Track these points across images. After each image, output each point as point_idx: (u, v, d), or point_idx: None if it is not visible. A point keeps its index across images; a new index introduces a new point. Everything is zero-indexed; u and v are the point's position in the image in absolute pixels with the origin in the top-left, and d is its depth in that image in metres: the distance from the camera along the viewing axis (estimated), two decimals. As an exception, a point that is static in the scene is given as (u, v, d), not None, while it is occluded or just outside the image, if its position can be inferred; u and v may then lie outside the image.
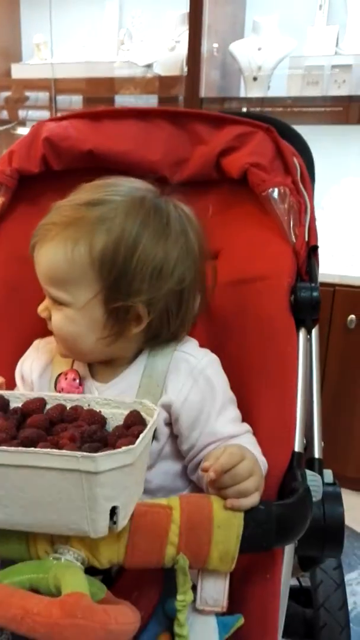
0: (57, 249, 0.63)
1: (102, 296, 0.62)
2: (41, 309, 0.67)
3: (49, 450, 0.45)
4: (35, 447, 0.48)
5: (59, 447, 0.48)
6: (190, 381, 0.66)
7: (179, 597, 0.50)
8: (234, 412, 0.67)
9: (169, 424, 0.66)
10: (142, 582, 0.53)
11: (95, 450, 0.46)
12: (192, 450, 0.66)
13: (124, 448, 0.45)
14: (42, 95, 2.09)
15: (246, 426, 0.66)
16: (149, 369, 0.67)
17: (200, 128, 0.79)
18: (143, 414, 0.55)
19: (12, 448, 0.45)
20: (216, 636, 0.51)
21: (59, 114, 0.94)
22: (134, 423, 0.53)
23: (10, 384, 0.72)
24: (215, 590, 0.51)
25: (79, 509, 0.44)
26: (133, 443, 0.47)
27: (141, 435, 0.47)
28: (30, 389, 0.71)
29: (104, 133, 0.79)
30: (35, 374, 0.71)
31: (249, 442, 0.63)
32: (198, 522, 0.50)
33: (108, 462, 0.44)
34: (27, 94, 2.12)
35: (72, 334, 0.65)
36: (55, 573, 0.45)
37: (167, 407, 0.65)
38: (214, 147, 0.77)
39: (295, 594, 1.05)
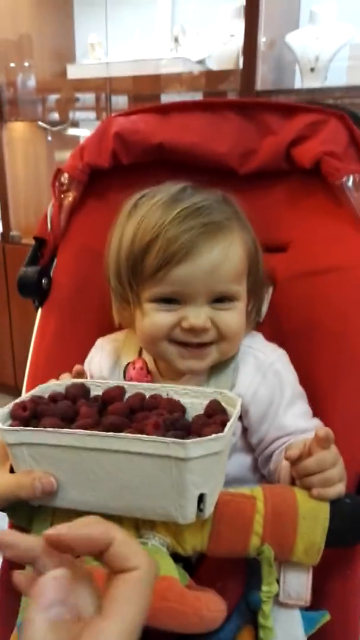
0: (238, 243, 0.65)
1: (248, 284, 0.67)
2: (204, 320, 0.62)
3: (139, 435, 0.45)
4: (121, 433, 0.48)
5: (144, 434, 0.48)
6: (259, 376, 0.66)
7: (264, 588, 0.49)
8: (303, 407, 0.66)
9: (239, 417, 0.66)
10: (225, 573, 0.53)
11: (180, 438, 0.46)
12: (261, 443, 0.65)
13: (214, 435, 0.45)
14: (89, 97, 2.12)
15: (317, 421, 0.65)
16: (217, 365, 0.68)
17: (269, 118, 0.78)
18: (223, 403, 0.55)
19: (103, 433, 0.46)
20: (301, 630, 0.50)
21: (112, 113, 0.95)
22: (215, 412, 0.53)
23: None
24: (298, 584, 0.51)
25: (167, 494, 0.45)
26: (219, 431, 0.47)
27: (228, 424, 0.47)
28: None
29: (173, 126, 0.79)
30: (105, 372, 0.72)
31: None
32: (283, 512, 0.49)
33: (198, 449, 0.44)
34: (81, 94, 2.16)
35: (242, 327, 0.66)
36: (144, 557, 0.46)
37: None
38: (284, 137, 0.76)
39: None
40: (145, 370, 0.69)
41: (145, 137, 0.79)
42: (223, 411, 0.53)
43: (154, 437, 0.45)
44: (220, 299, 0.63)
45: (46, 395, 0.57)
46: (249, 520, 0.49)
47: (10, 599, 0.59)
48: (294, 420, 0.64)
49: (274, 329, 0.75)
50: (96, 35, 2.10)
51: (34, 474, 0.49)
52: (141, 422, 0.52)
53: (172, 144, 0.78)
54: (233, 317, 0.64)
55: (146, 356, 0.71)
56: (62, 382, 0.60)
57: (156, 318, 0.63)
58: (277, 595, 0.51)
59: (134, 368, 0.70)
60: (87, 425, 0.50)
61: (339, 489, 0.51)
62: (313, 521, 0.49)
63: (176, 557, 0.50)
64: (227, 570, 0.53)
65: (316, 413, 0.66)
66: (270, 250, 0.76)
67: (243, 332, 0.67)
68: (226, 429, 0.46)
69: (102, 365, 0.73)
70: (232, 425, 0.48)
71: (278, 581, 0.50)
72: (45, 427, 0.49)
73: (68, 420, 0.53)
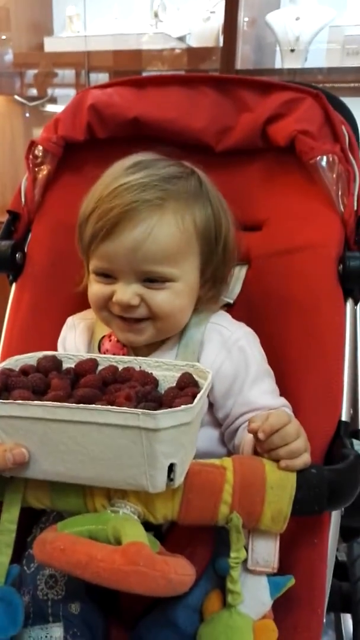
0: (170, 224, 0.62)
1: (199, 264, 0.66)
2: (129, 297, 0.62)
3: (110, 407, 0.45)
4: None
5: (116, 406, 0.48)
6: (224, 352, 0.67)
7: (233, 554, 0.50)
8: (270, 384, 0.67)
9: None
10: (194, 540, 0.54)
11: (151, 409, 0.47)
12: (227, 418, 0.67)
13: (183, 407, 0.45)
14: (69, 73, 2.08)
15: (283, 400, 0.66)
16: (185, 339, 0.68)
17: (246, 95, 0.78)
18: (195, 376, 0.55)
19: (74, 405, 0.46)
20: (267, 594, 0.52)
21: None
22: (187, 385, 0.54)
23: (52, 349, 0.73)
24: (266, 551, 0.52)
25: (138, 464, 0.45)
26: (189, 403, 0.47)
27: (199, 395, 0.48)
28: None
29: (149, 100, 0.79)
30: (83, 351, 0.72)
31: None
32: (251, 482, 0.50)
33: (168, 419, 0.44)
34: (60, 69, 2.11)
35: (179, 309, 0.65)
36: (114, 524, 0.47)
37: None
38: (260, 115, 0.76)
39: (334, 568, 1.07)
40: (121, 343, 0.69)
41: (121, 111, 0.78)
42: (195, 384, 0.54)
43: (125, 409, 0.45)
44: (150, 279, 0.63)
45: (17, 368, 0.57)
46: (218, 489, 0.50)
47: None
48: (259, 396, 0.65)
49: (248, 306, 0.76)
50: (74, 8, 2.04)
51: (5, 446, 0.49)
52: (113, 394, 0.52)
53: (148, 118, 0.78)
54: (165, 297, 0.63)
55: None
56: (33, 355, 0.60)
57: (95, 289, 0.66)
58: (245, 561, 0.52)
59: (109, 340, 0.70)
60: (58, 397, 0.50)
61: (305, 458, 0.53)
62: (280, 490, 0.50)
63: (147, 526, 0.51)
64: (196, 537, 0.54)
65: (288, 389, 0.67)
66: (246, 229, 0.77)
67: (184, 311, 0.66)
68: (196, 400, 0.47)
69: (78, 343, 0.73)
70: (203, 396, 0.49)
71: (246, 548, 0.52)
72: (15, 400, 0.49)
73: (39, 392, 0.53)
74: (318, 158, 0.72)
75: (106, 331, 0.71)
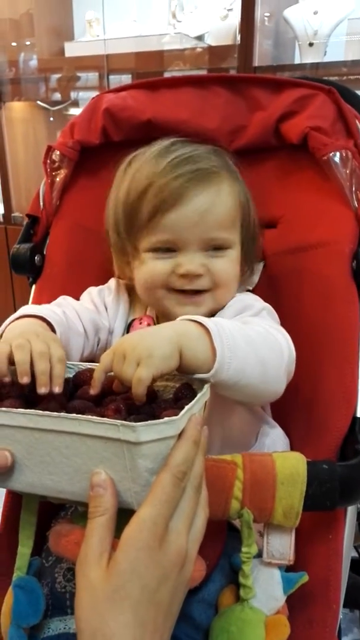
0: (227, 190, 0.67)
1: (241, 235, 0.70)
2: (196, 266, 0.64)
3: (89, 417, 0.43)
4: None
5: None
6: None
7: (244, 549, 0.51)
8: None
9: None
10: (205, 536, 0.55)
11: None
12: None
13: (166, 419, 0.42)
14: (92, 76, 2.11)
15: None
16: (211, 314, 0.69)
17: (258, 93, 0.78)
18: (195, 387, 0.52)
19: (55, 413, 0.44)
20: (280, 589, 0.52)
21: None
22: (184, 396, 0.51)
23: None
24: (281, 544, 0.52)
25: (122, 479, 0.43)
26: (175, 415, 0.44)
27: (186, 407, 0.45)
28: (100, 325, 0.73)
29: (162, 102, 0.80)
30: (115, 324, 0.74)
31: None
32: (261, 478, 0.51)
33: (149, 432, 0.41)
34: (80, 72, 2.14)
35: (235, 277, 0.69)
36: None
37: None
38: (273, 113, 0.76)
39: (355, 565, 1.06)
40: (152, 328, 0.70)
41: (135, 114, 0.79)
42: (192, 395, 0.50)
43: (104, 419, 0.43)
44: (213, 247, 0.66)
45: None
46: (229, 484, 0.50)
47: (7, 558, 0.61)
48: None
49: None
50: (93, 12, 2.07)
51: None
52: (105, 406, 0.50)
53: (161, 120, 0.78)
54: (226, 264, 0.67)
55: (152, 313, 0.73)
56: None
57: (153, 266, 0.67)
58: (260, 556, 0.53)
59: (140, 323, 0.72)
60: (49, 408, 0.48)
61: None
62: (291, 486, 0.50)
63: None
64: (207, 532, 0.55)
65: (302, 385, 0.67)
66: (261, 227, 0.77)
67: (237, 280, 0.70)
68: (182, 412, 0.43)
69: (115, 316, 0.74)
70: (191, 408, 0.45)
71: (259, 543, 0.52)
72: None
73: (33, 403, 0.51)
74: (331, 154, 0.72)
75: (137, 314, 0.72)
